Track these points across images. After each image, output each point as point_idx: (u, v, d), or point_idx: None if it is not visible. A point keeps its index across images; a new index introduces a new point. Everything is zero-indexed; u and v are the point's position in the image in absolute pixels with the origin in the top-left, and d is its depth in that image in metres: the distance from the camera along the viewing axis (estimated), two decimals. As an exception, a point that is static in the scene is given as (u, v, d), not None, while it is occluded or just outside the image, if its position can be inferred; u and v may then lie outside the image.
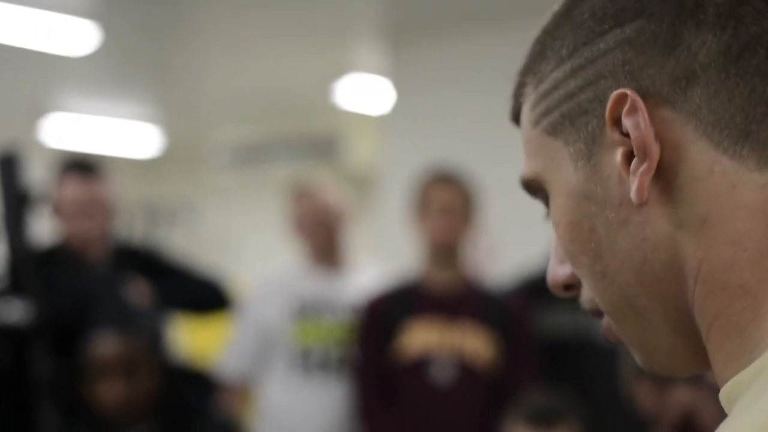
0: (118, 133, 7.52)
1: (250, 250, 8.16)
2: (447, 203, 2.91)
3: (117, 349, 2.35)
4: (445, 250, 2.93)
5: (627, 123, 0.61)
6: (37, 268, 2.49)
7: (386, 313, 2.94)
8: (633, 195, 0.61)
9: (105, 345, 2.36)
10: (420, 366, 2.87)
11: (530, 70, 0.70)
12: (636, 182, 0.61)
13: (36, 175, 2.55)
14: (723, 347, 0.60)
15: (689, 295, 0.61)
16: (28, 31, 4.77)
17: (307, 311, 3.20)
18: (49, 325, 2.43)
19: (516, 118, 0.73)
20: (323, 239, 3.26)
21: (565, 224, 0.67)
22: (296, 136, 7.83)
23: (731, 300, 0.59)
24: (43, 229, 2.94)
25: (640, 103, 0.61)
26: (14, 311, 2.34)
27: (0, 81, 6.10)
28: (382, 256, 4.58)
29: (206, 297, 3.17)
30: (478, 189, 2.99)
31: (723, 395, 0.58)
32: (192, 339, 4.62)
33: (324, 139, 7.73)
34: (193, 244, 7.28)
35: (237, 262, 7.30)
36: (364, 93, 6.20)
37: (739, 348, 0.58)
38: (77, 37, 4.90)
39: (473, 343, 2.88)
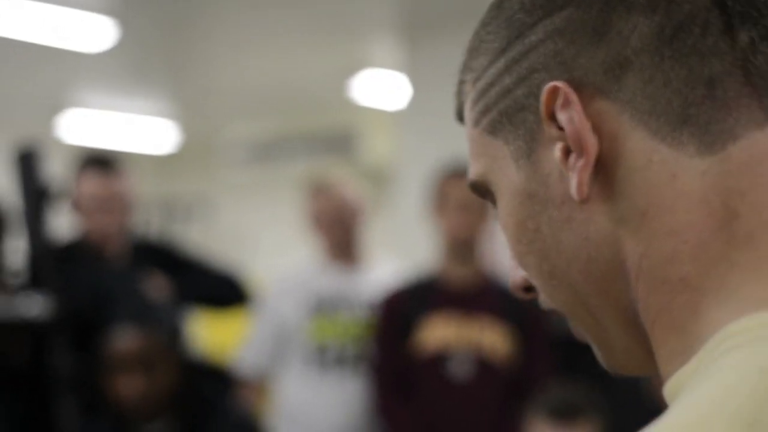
0: (135, 129, 7.54)
1: (266, 246, 8.16)
2: (464, 199, 2.90)
3: (136, 344, 2.36)
4: (463, 245, 2.93)
5: (561, 117, 0.59)
6: (56, 264, 2.51)
7: (404, 309, 2.94)
8: (573, 192, 0.59)
9: (124, 340, 2.37)
10: (438, 361, 2.87)
11: (468, 66, 0.68)
12: (575, 179, 0.58)
13: (53, 171, 2.57)
14: (666, 344, 0.58)
15: (633, 293, 0.59)
16: (46, 28, 4.79)
17: (323, 307, 3.20)
18: (68, 320, 2.44)
19: (461, 116, 0.70)
20: (340, 235, 3.26)
21: (512, 225, 0.64)
22: (312, 132, 7.83)
23: (672, 295, 0.57)
24: (63, 224, 2.96)
25: (573, 96, 0.58)
26: (34, 306, 2.35)
27: (18, 77, 6.13)
28: (399, 251, 4.58)
29: (224, 292, 3.18)
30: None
31: (666, 392, 0.56)
32: (210, 334, 4.63)
33: (340, 135, 7.72)
34: (208, 240, 7.30)
35: (252, 257, 7.31)
36: (380, 88, 6.19)
37: (680, 345, 0.56)
38: (95, 33, 4.92)
39: (491, 338, 2.88)
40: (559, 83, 0.59)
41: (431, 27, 4.88)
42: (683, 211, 0.56)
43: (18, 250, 2.46)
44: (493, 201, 0.67)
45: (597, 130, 0.58)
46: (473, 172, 0.67)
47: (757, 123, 0.57)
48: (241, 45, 5.59)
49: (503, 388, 2.85)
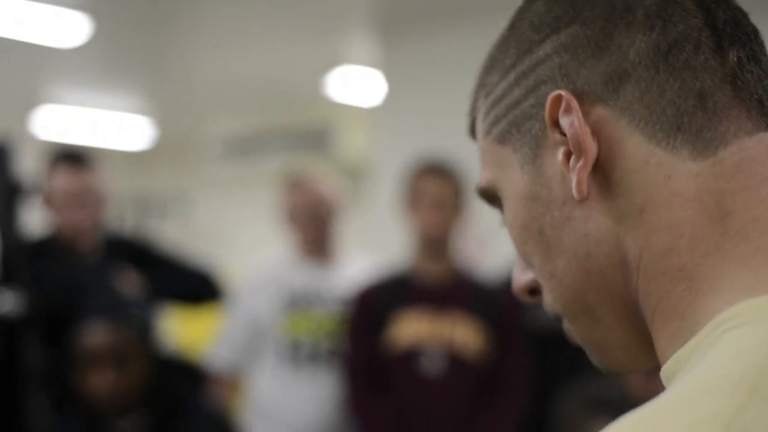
0: (110, 125, 7.50)
1: (242, 241, 8.16)
2: (438, 195, 2.91)
3: (107, 339, 2.35)
4: (436, 241, 2.94)
5: (563, 122, 0.64)
6: (28, 259, 2.49)
7: (376, 304, 2.95)
8: (573, 191, 0.64)
9: (95, 335, 2.36)
10: (410, 357, 2.88)
11: (482, 83, 0.74)
12: (575, 178, 0.64)
13: (27, 167, 2.55)
14: (665, 329, 0.62)
15: (633, 284, 0.64)
16: (19, 23, 4.76)
17: (297, 303, 3.20)
18: (39, 315, 2.43)
19: (473, 132, 0.76)
20: (315, 230, 3.26)
21: (517, 228, 0.70)
22: (288, 128, 7.83)
23: (672, 284, 0.61)
24: (34, 220, 2.95)
25: (575, 103, 0.63)
26: (5, 302, 2.34)
27: (-9, 72, 6.09)
28: (373, 247, 4.59)
29: (197, 288, 3.17)
30: (469, 181, 3.00)
31: (663, 373, 0.61)
32: (182, 330, 4.63)
33: (316, 131, 7.72)
34: (185, 236, 7.28)
35: (229, 253, 7.30)
36: (356, 85, 6.19)
37: (680, 329, 0.61)
38: (68, 28, 4.89)
39: (463, 334, 2.89)
40: (562, 92, 0.64)
41: (406, 24, 4.89)
42: (678, 208, 0.61)
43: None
44: (500, 207, 0.73)
45: (597, 134, 0.64)
46: (483, 179, 0.73)
47: (746, 131, 0.62)
48: (216, 41, 5.58)
49: (475, 384, 2.86)
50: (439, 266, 2.95)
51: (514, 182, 0.69)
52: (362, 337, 2.95)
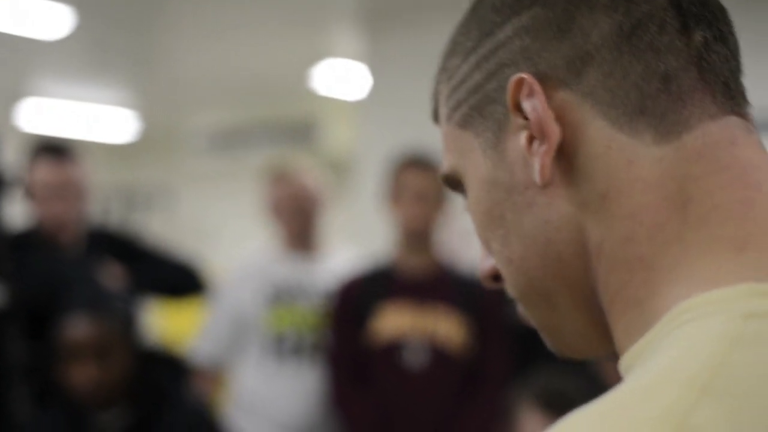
0: (94, 118, 7.48)
1: (227, 235, 8.14)
2: (420, 188, 2.91)
3: (89, 332, 2.35)
4: (419, 235, 2.94)
5: (526, 106, 0.63)
6: (10, 252, 2.49)
7: (359, 297, 2.95)
8: (536, 176, 0.63)
9: (77, 328, 2.35)
10: (392, 350, 2.88)
11: (443, 68, 0.73)
12: (537, 163, 0.63)
13: (11, 159, 2.54)
14: (623, 320, 0.61)
15: (593, 272, 0.63)
16: (2, 15, 4.74)
17: (281, 297, 3.20)
18: (21, 308, 2.43)
19: (436, 117, 0.75)
20: (300, 223, 3.26)
21: (479, 213, 0.69)
22: (273, 122, 7.81)
23: (631, 274, 0.60)
24: (16, 212, 2.94)
25: (537, 86, 0.63)
26: (-13, 294, 2.33)
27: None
28: (357, 240, 4.59)
29: (180, 281, 3.16)
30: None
31: (621, 366, 0.60)
32: (165, 323, 4.62)
33: (301, 125, 7.71)
34: (169, 230, 7.26)
35: (213, 247, 7.29)
36: (341, 78, 6.19)
37: (637, 320, 0.60)
38: (52, 20, 4.87)
39: (446, 327, 2.90)
40: (524, 75, 0.63)
41: (392, 17, 4.88)
42: (640, 195, 0.60)
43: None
44: (464, 193, 0.72)
45: (560, 119, 0.62)
46: (445, 165, 0.73)
47: (710, 115, 0.61)
48: (202, 34, 5.56)
49: (458, 377, 2.87)
50: (422, 259, 2.96)
51: (476, 167, 0.68)
52: (345, 330, 2.95)
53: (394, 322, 2.91)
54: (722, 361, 0.50)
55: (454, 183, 0.73)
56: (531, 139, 0.63)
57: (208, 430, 2.50)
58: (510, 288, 0.70)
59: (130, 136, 8.25)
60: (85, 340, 2.34)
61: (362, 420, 2.88)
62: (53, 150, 2.98)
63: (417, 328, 2.90)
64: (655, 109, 0.61)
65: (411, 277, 2.95)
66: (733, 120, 0.63)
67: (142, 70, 6.69)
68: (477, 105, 0.68)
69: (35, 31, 5.08)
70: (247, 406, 3.16)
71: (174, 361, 2.94)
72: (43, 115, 7.15)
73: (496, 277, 0.73)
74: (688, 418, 0.48)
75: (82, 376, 2.35)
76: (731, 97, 0.63)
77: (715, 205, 0.59)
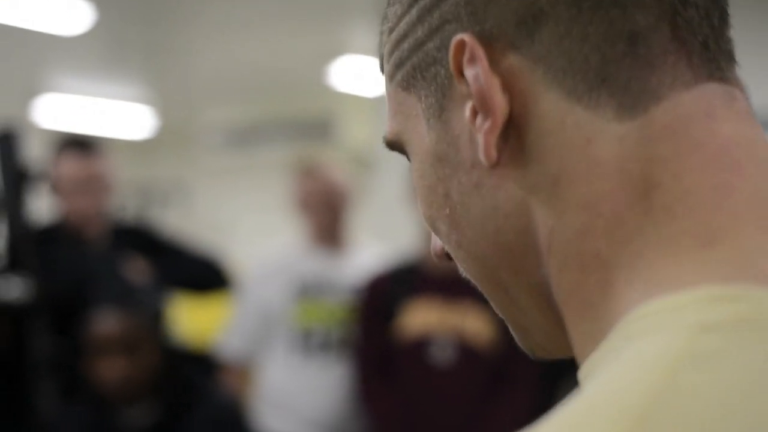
0: (111, 113, 7.49)
1: (243, 231, 8.14)
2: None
3: (118, 327, 2.34)
4: (446, 230, 2.92)
5: (468, 74, 0.53)
6: (35, 246, 2.48)
7: (386, 293, 2.94)
8: (481, 156, 0.54)
9: (106, 322, 2.35)
10: (420, 346, 2.87)
11: (385, 16, 0.62)
12: (481, 141, 0.53)
13: (30, 155, 2.54)
14: (578, 327, 0.53)
15: (545, 268, 0.54)
16: (21, 10, 4.74)
17: (308, 291, 3.18)
18: (47, 302, 2.42)
19: (383, 69, 0.64)
20: (328, 218, 3.24)
21: (423, 188, 0.60)
22: (290, 118, 7.81)
23: (584, 273, 0.52)
24: (41, 207, 2.93)
25: (480, 51, 0.53)
26: (13, 289, 2.33)
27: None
28: (378, 236, 4.58)
29: (205, 276, 3.16)
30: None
31: (580, 377, 0.52)
32: (188, 319, 4.61)
33: (318, 121, 7.71)
34: (185, 226, 7.26)
35: (229, 243, 7.29)
36: (359, 74, 6.18)
37: (592, 327, 0.51)
38: (70, 16, 4.87)
39: (473, 323, 2.88)
40: (466, 36, 0.53)
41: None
42: (598, 181, 0.51)
43: (-1, 233, 2.43)
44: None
45: (508, 88, 0.53)
46: (388, 130, 0.63)
47: (683, 83, 0.52)
48: (219, 30, 5.56)
49: (485, 374, 2.85)
50: (450, 255, 2.94)
51: (420, 136, 0.58)
52: (372, 326, 2.94)
53: (421, 318, 2.89)
54: (664, 387, 0.42)
55: (400, 150, 0.62)
56: (476, 111, 0.54)
57: (236, 426, 2.49)
58: (465, 273, 0.61)
59: (146, 133, 8.26)
60: (114, 335, 2.34)
61: (388, 416, 2.86)
62: (78, 145, 3.00)
63: (444, 325, 2.88)
64: (618, 77, 0.51)
65: (439, 273, 2.93)
66: (712, 87, 0.52)
67: (159, 66, 6.69)
68: (419, 65, 0.57)
69: (54, 27, 5.08)
70: (274, 401, 3.15)
71: (202, 357, 2.94)
72: (61, 111, 7.16)
73: (449, 254, 0.63)
74: None
75: (110, 370, 2.35)
76: (710, 59, 0.53)
77: (684, 192, 0.50)
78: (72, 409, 2.47)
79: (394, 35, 0.59)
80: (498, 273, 0.57)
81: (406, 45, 0.58)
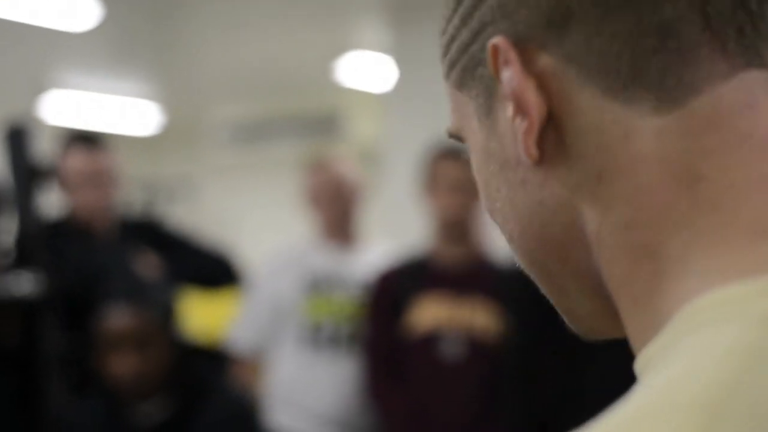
0: (119, 110, 7.49)
1: (250, 227, 8.14)
2: (456, 179, 2.89)
3: (129, 322, 2.34)
4: (455, 226, 2.92)
5: (504, 77, 0.55)
6: (45, 241, 2.48)
7: (396, 289, 2.94)
8: (521, 155, 0.55)
9: (117, 318, 2.35)
10: (429, 342, 2.87)
11: (442, 18, 0.63)
12: (521, 141, 0.55)
13: (37, 151, 2.55)
14: (632, 316, 0.54)
15: (595, 260, 0.55)
16: (29, 6, 4.74)
17: (319, 286, 3.18)
18: (58, 298, 2.42)
19: None
20: (339, 212, 3.24)
21: (480, 182, 0.61)
22: (297, 114, 7.81)
23: (635, 265, 0.53)
24: (50, 201, 2.94)
25: (512, 54, 0.54)
26: (24, 284, 2.33)
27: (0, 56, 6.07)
28: (386, 232, 4.58)
29: (214, 272, 3.16)
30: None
31: (636, 368, 0.52)
32: (197, 314, 4.61)
33: (325, 117, 7.71)
34: (192, 222, 7.26)
35: (236, 239, 7.29)
36: (366, 70, 6.17)
37: (647, 319, 0.52)
38: (78, 12, 4.87)
39: (483, 319, 2.88)
40: (499, 40, 0.54)
41: (417, 9, 4.86)
42: (641, 175, 0.52)
43: (8, 229, 2.43)
44: None
45: (544, 88, 0.54)
46: (451, 124, 0.65)
47: (720, 74, 0.52)
48: (226, 26, 5.56)
49: (494, 369, 2.85)
50: (459, 250, 2.94)
51: (474, 133, 0.60)
52: (381, 321, 2.94)
53: (431, 313, 2.89)
54: (738, 381, 0.43)
55: (462, 141, 0.64)
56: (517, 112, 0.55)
57: (247, 421, 2.49)
58: (519, 263, 0.62)
59: (153, 129, 8.26)
60: (125, 330, 2.34)
61: (397, 411, 2.86)
62: (85, 140, 3.02)
63: (454, 320, 2.88)
64: (651, 72, 0.51)
65: (448, 268, 2.93)
66: (752, 76, 0.52)
67: (166, 62, 6.69)
68: (467, 66, 0.59)
69: (61, 24, 5.08)
70: (283, 395, 3.15)
71: (213, 352, 2.94)
72: (68, 107, 7.17)
73: None
74: None
75: (121, 366, 2.35)
76: (748, 46, 0.52)
77: (730, 185, 0.50)
78: (83, 405, 2.48)
79: (445, 38, 0.61)
80: (547, 265, 0.59)
81: (454, 47, 0.60)
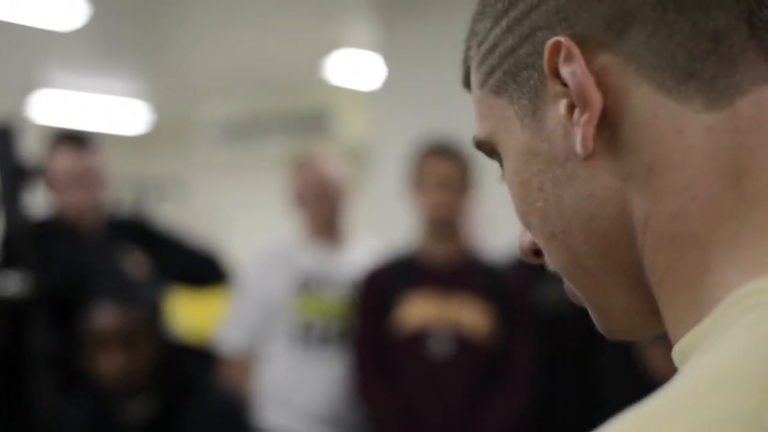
0: (107, 109, 7.48)
1: (240, 226, 8.14)
2: (444, 175, 2.90)
3: (116, 321, 2.34)
4: (443, 223, 2.92)
5: (564, 72, 0.58)
6: (32, 241, 2.48)
7: (384, 286, 2.94)
8: (578, 147, 0.58)
9: (104, 316, 2.35)
10: (417, 339, 2.87)
11: (473, 31, 0.68)
12: (579, 133, 0.58)
13: (26, 150, 2.54)
14: (674, 303, 0.57)
15: (639, 250, 0.59)
16: (16, 6, 4.73)
17: (308, 285, 3.18)
18: (45, 297, 2.42)
19: (467, 83, 0.71)
20: (324, 211, 3.24)
21: (516, 185, 0.65)
22: (286, 112, 7.81)
23: (681, 253, 0.56)
24: (37, 201, 2.94)
25: (576, 50, 0.58)
26: (11, 284, 2.33)
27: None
28: (375, 230, 4.58)
29: (203, 270, 3.16)
30: (475, 161, 2.97)
31: (675, 353, 0.55)
32: (185, 313, 4.60)
33: (314, 115, 7.70)
34: (182, 220, 7.26)
35: (226, 238, 7.28)
36: (355, 68, 6.18)
37: (690, 304, 0.56)
38: (66, 11, 4.86)
39: (471, 316, 2.88)
40: (561, 38, 0.58)
41: (406, 7, 4.86)
42: (691, 167, 0.56)
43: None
44: (499, 161, 0.67)
45: (601, 84, 0.58)
46: (479, 132, 0.68)
47: (764, 78, 0.56)
48: (215, 24, 5.55)
49: (483, 367, 2.85)
50: (447, 247, 2.94)
51: (513, 136, 0.64)
52: (370, 319, 2.94)
53: (419, 311, 2.89)
54: None
55: (488, 150, 0.68)
56: (571, 107, 0.59)
57: (236, 420, 2.49)
58: (552, 264, 0.65)
59: (142, 128, 8.25)
60: (112, 329, 2.34)
61: (386, 409, 2.87)
62: (72, 139, 3.01)
63: (442, 318, 2.88)
64: (704, 73, 0.56)
65: (436, 265, 2.94)
66: None
67: (155, 61, 6.68)
68: (511, 71, 0.63)
69: (49, 23, 5.07)
70: (274, 394, 3.15)
71: (202, 351, 2.94)
72: (56, 106, 7.15)
73: (536, 252, 0.68)
74: (756, 418, 0.43)
75: (108, 364, 2.35)
76: None
77: None
78: (71, 404, 2.48)
79: (485, 46, 0.65)
80: (587, 260, 0.62)
81: (497, 53, 0.64)
